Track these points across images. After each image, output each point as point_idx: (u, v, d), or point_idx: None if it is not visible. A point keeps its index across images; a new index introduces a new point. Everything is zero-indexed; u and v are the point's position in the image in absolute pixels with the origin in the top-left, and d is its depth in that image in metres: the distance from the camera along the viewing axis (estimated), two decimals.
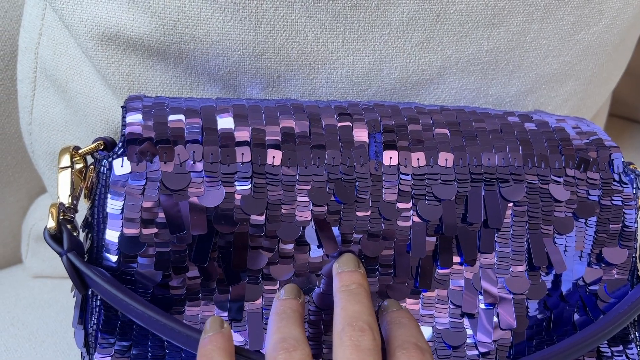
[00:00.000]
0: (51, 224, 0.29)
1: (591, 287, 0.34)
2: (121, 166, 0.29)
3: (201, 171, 0.30)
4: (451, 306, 0.32)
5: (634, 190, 0.34)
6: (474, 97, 0.40)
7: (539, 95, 0.42)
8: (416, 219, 0.32)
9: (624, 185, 0.34)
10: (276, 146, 0.31)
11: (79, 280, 0.29)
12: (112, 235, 0.29)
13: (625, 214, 0.34)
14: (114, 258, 0.30)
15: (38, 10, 0.38)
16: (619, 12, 0.40)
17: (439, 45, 0.37)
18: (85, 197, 0.32)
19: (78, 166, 0.31)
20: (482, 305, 0.32)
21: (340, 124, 0.32)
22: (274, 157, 0.31)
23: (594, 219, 0.33)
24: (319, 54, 0.36)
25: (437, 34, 0.37)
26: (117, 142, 0.31)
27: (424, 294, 0.32)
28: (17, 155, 0.46)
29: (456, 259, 0.32)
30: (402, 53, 0.37)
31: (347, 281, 0.30)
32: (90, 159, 0.32)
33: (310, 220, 0.31)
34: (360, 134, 0.32)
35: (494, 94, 0.40)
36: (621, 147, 0.61)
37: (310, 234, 0.31)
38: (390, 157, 0.32)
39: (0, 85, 0.44)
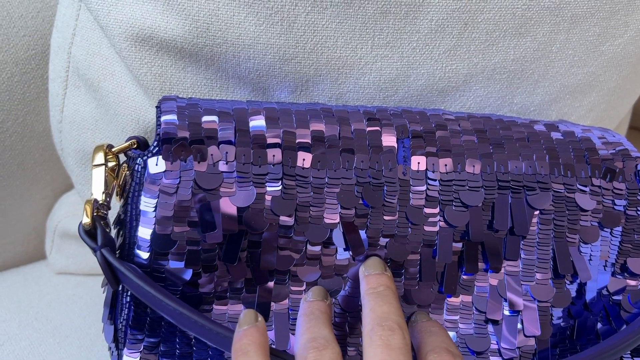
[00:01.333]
0: (86, 220, 0.29)
1: (615, 297, 0.34)
2: (156, 165, 0.30)
3: (233, 171, 0.30)
4: (475, 312, 0.32)
5: None
6: (498, 105, 0.40)
7: (562, 105, 0.42)
8: (443, 224, 0.32)
9: None
10: (306, 149, 0.31)
11: (112, 276, 0.29)
12: (144, 233, 0.30)
13: None
14: (145, 255, 0.30)
15: (72, 11, 0.39)
16: None
17: (466, 53, 0.37)
18: (117, 195, 0.32)
19: (110, 164, 0.32)
20: (506, 312, 0.32)
21: (369, 128, 0.33)
22: (304, 159, 0.31)
23: (619, 229, 0.34)
24: (348, 59, 0.36)
25: (465, 42, 0.37)
26: (150, 141, 0.31)
27: (448, 299, 0.32)
28: (44, 153, 0.47)
29: (481, 265, 0.33)
30: (430, 60, 0.37)
31: (374, 283, 0.30)
32: (122, 158, 0.33)
33: (338, 222, 0.31)
34: (389, 139, 0.32)
35: (519, 102, 0.40)
36: None
37: (338, 236, 0.31)
38: (418, 162, 0.32)
39: (30, 84, 0.45)
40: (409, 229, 0.32)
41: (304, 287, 0.31)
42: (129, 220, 0.31)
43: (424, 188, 0.32)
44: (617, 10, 0.39)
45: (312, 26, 0.35)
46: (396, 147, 0.32)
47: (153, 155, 0.30)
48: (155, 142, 0.31)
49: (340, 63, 0.37)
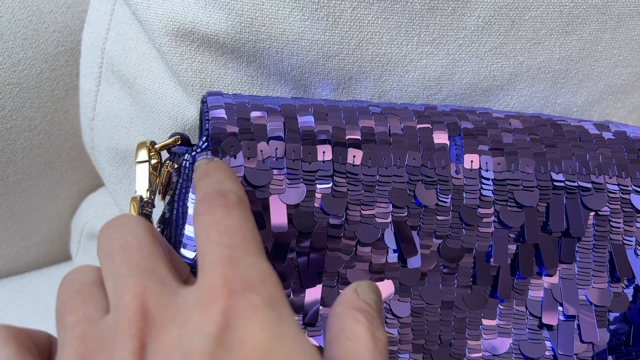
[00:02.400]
0: None
1: None
2: None
3: (283, 168, 0.29)
4: (529, 317, 0.31)
5: None
6: (542, 105, 0.39)
7: (605, 106, 0.41)
8: (497, 225, 0.31)
9: None
10: (357, 145, 0.30)
11: None
12: (191, 231, 0.29)
13: None
14: (191, 255, 0.29)
15: (107, 6, 0.38)
16: None
17: (512, 51, 0.37)
18: (159, 194, 0.31)
19: (152, 161, 0.31)
20: (561, 317, 0.31)
21: (419, 125, 0.32)
22: (354, 156, 0.30)
23: None
24: (392, 56, 0.36)
25: (511, 40, 0.36)
26: (198, 137, 0.30)
27: (501, 304, 0.31)
28: (71, 152, 0.46)
29: (535, 268, 0.31)
30: (475, 58, 0.36)
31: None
32: (164, 155, 0.32)
33: (390, 222, 0.30)
34: (441, 136, 0.32)
35: (562, 103, 0.40)
36: None
37: (389, 237, 0.30)
38: (471, 161, 0.31)
39: (59, 81, 0.44)
40: (463, 230, 0.31)
41: None
42: (174, 218, 0.30)
43: (477, 187, 0.31)
44: None
45: (358, 22, 0.34)
46: (448, 144, 0.31)
47: (202, 150, 0.29)
48: (204, 137, 0.29)
49: (385, 60, 0.36)
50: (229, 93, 0.35)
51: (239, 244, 0.21)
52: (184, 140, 0.32)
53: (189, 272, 0.24)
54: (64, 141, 0.45)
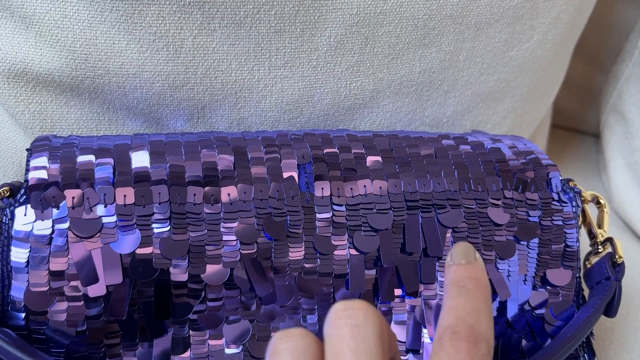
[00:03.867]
0: None
1: (537, 311, 0.32)
2: (24, 215, 0.27)
3: (114, 214, 0.27)
4: (399, 344, 0.30)
5: (574, 208, 0.33)
6: (410, 119, 0.39)
7: (476, 114, 0.41)
8: (353, 251, 0.30)
9: (563, 204, 0.33)
10: (197, 183, 0.29)
11: None
12: (18, 291, 0.27)
13: (567, 233, 0.33)
14: (21, 315, 0.27)
15: None
16: (550, 28, 0.40)
17: (370, 68, 0.36)
18: None
19: None
20: (427, 340, 0.31)
21: (267, 155, 0.31)
22: (195, 194, 0.29)
23: (536, 240, 0.32)
24: (245, 82, 0.34)
25: (367, 57, 0.36)
26: (22, 186, 0.28)
27: None
28: None
29: (398, 291, 0.31)
30: (333, 78, 0.36)
31: (460, 275, 0.25)
32: None
33: (239, 260, 0.29)
34: (290, 166, 0.30)
35: (430, 115, 0.39)
36: (567, 159, 0.61)
37: (240, 275, 0.29)
38: (322, 188, 0.30)
39: None
40: (318, 260, 0.30)
41: (207, 336, 0.29)
42: (0, 278, 0.27)
43: (329, 215, 0.30)
44: (521, 15, 0.38)
45: (202, 50, 0.33)
46: (298, 173, 0.30)
47: (21, 204, 0.27)
48: (23, 190, 0.27)
49: (238, 86, 0.34)
50: (70, 134, 0.33)
51: None
52: (14, 191, 0.29)
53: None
54: None
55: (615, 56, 0.56)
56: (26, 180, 0.28)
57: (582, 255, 0.35)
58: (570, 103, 0.61)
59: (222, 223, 0.29)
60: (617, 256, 0.34)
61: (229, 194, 0.29)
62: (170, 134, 0.32)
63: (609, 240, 0.34)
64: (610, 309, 0.32)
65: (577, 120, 0.63)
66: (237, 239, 0.29)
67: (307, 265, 0.29)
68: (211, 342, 0.29)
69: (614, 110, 0.55)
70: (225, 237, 0.29)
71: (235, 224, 0.29)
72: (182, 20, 0.32)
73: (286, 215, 0.29)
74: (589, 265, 0.35)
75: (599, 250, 0.35)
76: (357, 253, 0.30)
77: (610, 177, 0.54)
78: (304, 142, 0.32)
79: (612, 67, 0.56)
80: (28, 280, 0.27)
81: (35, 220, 0.27)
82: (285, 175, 0.30)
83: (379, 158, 0.32)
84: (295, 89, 0.35)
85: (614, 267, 0.33)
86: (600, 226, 0.35)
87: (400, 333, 0.31)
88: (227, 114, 0.35)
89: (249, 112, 0.35)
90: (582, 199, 0.34)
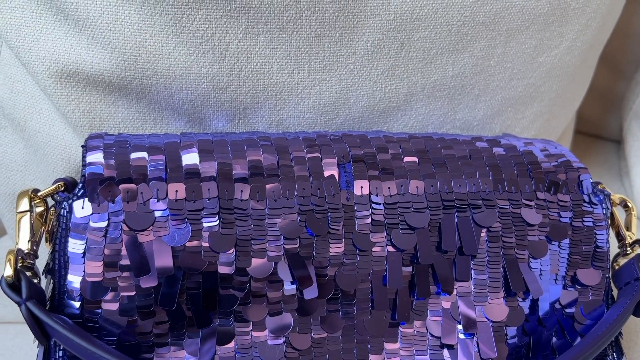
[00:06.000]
0: (8, 272, 0.27)
1: (568, 310, 0.33)
2: (82, 208, 0.28)
3: (165, 209, 0.29)
4: (430, 338, 0.32)
5: (604, 210, 0.34)
6: (441, 122, 0.40)
7: (505, 118, 0.42)
8: (391, 249, 0.31)
9: (593, 206, 0.34)
10: (244, 180, 0.30)
11: (40, 330, 0.27)
12: (74, 280, 0.28)
13: (597, 234, 0.34)
14: (76, 304, 0.28)
15: None
16: (579, 35, 0.41)
17: (405, 72, 0.37)
18: (46, 241, 0.30)
19: (38, 209, 0.30)
20: (461, 335, 0.32)
21: (309, 155, 0.32)
22: (242, 191, 0.30)
23: (567, 241, 0.33)
24: (285, 85, 0.36)
25: (402, 61, 0.37)
26: (79, 182, 0.29)
27: (402, 327, 0.31)
28: None
29: (433, 288, 0.32)
30: (368, 81, 0.37)
31: None
32: (51, 201, 0.31)
33: (283, 255, 0.30)
34: (330, 165, 0.32)
35: (461, 118, 0.40)
36: (589, 164, 0.61)
37: (283, 269, 0.30)
38: (361, 187, 0.31)
39: None
40: (357, 256, 0.31)
41: (250, 328, 0.30)
42: (57, 268, 0.29)
43: (368, 213, 0.31)
44: (551, 22, 0.39)
45: (246, 53, 0.34)
46: (338, 172, 0.31)
47: (79, 198, 0.28)
48: (81, 184, 0.29)
49: (278, 89, 0.36)
50: (120, 132, 0.34)
51: None
52: (69, 185, 0.31)
53: None
54: None
55: (637, 64, 0.57)
56: (83, 176, 0.29)
57: (611, 257, 0.35)
58: (592, 109, 0.62)
59: (266, 219, 0.30)
60: None
61: (273, 191, 0.30)
62: (216, 134, 0.33)
63: (638, 242, 0.35)
64: None
65: (599, 127, 0.64)
66: (280, 234, 0.30)
67: (346, 261, 0.31)
68: (255, 333, 0.30)
69: (636, 117, 0.56)
70: (269, 232, 0.30)
71: (280, 220, 0.30)
72: (227, 24, 0.33)
73: (327, 213, 0.31)
74: (617, 267, 0.35)
75: (628, 252, 0.35)
76: (394, 250, 0.31)
77: (633, 183, 0.54)
78: (342, 142, 0.33)
79: (634, 75, 0.57)
80: (84, 271, 0.28)
81: (92, 214, 0.28)
82: (326, 174, 0.31)
83: (415, 159, 0.33)
84: (333, 91, 0.36)
85: None
86: (628, 228, 0.36)
87: (435, 328, 0.32)
88: (267, 115, 0.36)
89: (287, 114, 0.37)
90: (611, 201, 0.35)
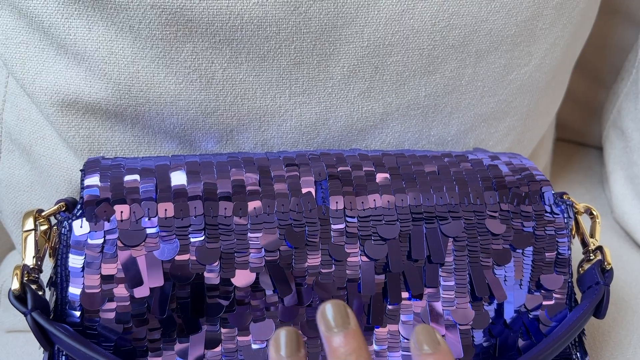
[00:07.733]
0: (15, 285, 0.30)
1: (533, 313, 0.36)
2: (80, 227, 0.31)
3: (156, 226, 0.32)
4: (403, 340, 0.34)
5: (565, 219, 0.37)
6: (416, 138, 0.43)
7: (479, 133, 0.45)
8: (364, 258, 0.34)
9: (555, 216, 0.36)
10: (227, 198, 0.33)
11: (44, 338, 0.30)
12: (74, 292, 0.31)
13: (559, 242, 0.36)
14: (77, 314, 0.31)
15: (1, 78, 0.41)
16: (547, 53, 0.44)
17: (380, 94, 0.40)
18: (50, 256, 0.33)
19: (42, 228, 0.33)
20: None
21: (288, 173, 0.35)
22: (225, 208, 0.33)
23: (530, 248, 0.36)
24: (268, 108, 0.38)
25: (377, 84, 0.40)
26: (78, 202, 0.33)
27: (376, 330, 0.34)
28: None
29: (404, 294, 0.34)
30: (346, 103, 0.40)
31: (338, 347, 0.27)
32: (54, 220, 0.34)
33: (264, 266, 0.33)
34: (308, 182, 0.34)
35: (436, 134, 0.43)
36: (571, 170, 0.64)
37: (265, 279, 0.33)
38: (336, 202, 0.34)
39: None
40: (333, 266, 0.33)
41: (235, 333, 0.33)
42: (59, 281, 0.32)
43: (343, 226, 0.34)
44: (519, 42, 0.42)
45: (230, 80, 0.37)
46: (315, 189, 0.34)
47: (77, 217, 0.31)
48: (79, 205, 0.32)
49: (262, 112, 0.39)
50: (115, 156, 0.37)
51: None
52: (69, 205, 0.34)
53: None
54: None
55: (616, 74, 0.59)
56: (81, 197, 0.32)
57: (577, 262, 0.38)
58: (574, 118, 0.65)
59: (249, 233, 0.33)
60: (606, 263, 0.37)
61: (254, 208, 0.33)
62: (203, 155, 0.36)
63: (600, 248, 0.38)
64: (600, 311, 0.36)
65: (581, 134, 0.66)
66: (262, 247, 0.33)
67: (323, 271, 0.33)
68: (239, 338, 0.33)
69: (614, 126, 0.58)
70: (252, 246, 0.33)
71: (261, 234, 0.33)
72: (213, 55, 0.36)
73: (305, 226, 0.33)
74: (582, 272, 0.38)
75: (591, 258, 0.38)
76: (367, 260, 0.34)
77: (612, 189, 0.57)
78: (320, 161, 0.36)
79: (612, 85, 0.60)
80: (83, 283, 0.31)
81: (90, 232, 0.31)
82: (304, 190, 0.34)
83: (387, 175, 0.36)
84: (313, 113, 0.39)
85: (603, 273, 0.37)
86: (592, 235, 0.38)
87: (407, 331, 0.34)
88: (252, 136, 0.39)
89: (271, 135, 0.40)
90: (575, 210, 0.37)
